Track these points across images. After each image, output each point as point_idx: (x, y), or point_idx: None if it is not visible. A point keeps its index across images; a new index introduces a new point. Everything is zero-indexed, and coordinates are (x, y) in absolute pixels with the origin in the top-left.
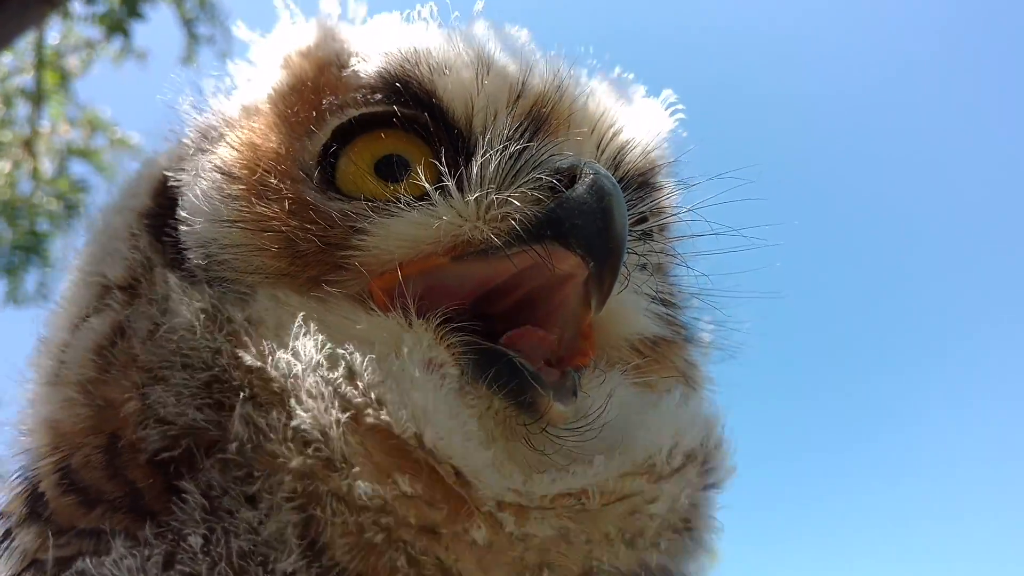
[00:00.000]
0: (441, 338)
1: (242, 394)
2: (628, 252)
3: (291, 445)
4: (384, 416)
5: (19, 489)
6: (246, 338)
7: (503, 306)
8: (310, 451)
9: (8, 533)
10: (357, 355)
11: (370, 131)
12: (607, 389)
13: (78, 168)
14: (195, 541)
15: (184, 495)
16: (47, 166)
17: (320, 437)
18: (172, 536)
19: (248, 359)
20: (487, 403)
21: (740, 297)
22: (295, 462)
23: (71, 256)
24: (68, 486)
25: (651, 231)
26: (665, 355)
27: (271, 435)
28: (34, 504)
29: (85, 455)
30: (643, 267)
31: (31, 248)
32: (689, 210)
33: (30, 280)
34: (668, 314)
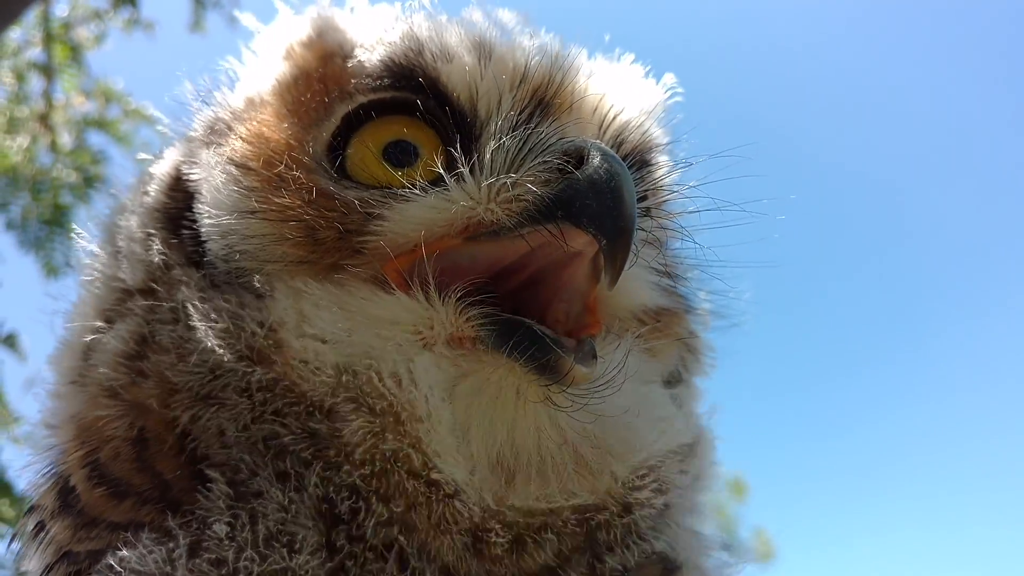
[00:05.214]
0: (461, 312)
1: (293, 407)
2: (637, 229)
3: (344, 452)
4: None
5: (50, 483)
6: (272, 353)
7: (510, 285)
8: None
9: (41, 525)
10: (384, 354)
11: (378, 118)
12: (624, 351)
13: (96, 139)
14: (220, 528)
15: (209, 484)
16: (65, 139)
17: (368, 440)
18: (197, 525)
19: (285, 378)
20: (509, 370)
21: (738, 268)
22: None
23: (83, 256)
24: (99, 479)
25: (652, 207)
26: (667, 325)
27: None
28: (66, 497)
29: (114, 448)
30: (646, 242)
31: (56, 221)
32: (688, 187)
33: (59, 253)
34: (670, 285)
